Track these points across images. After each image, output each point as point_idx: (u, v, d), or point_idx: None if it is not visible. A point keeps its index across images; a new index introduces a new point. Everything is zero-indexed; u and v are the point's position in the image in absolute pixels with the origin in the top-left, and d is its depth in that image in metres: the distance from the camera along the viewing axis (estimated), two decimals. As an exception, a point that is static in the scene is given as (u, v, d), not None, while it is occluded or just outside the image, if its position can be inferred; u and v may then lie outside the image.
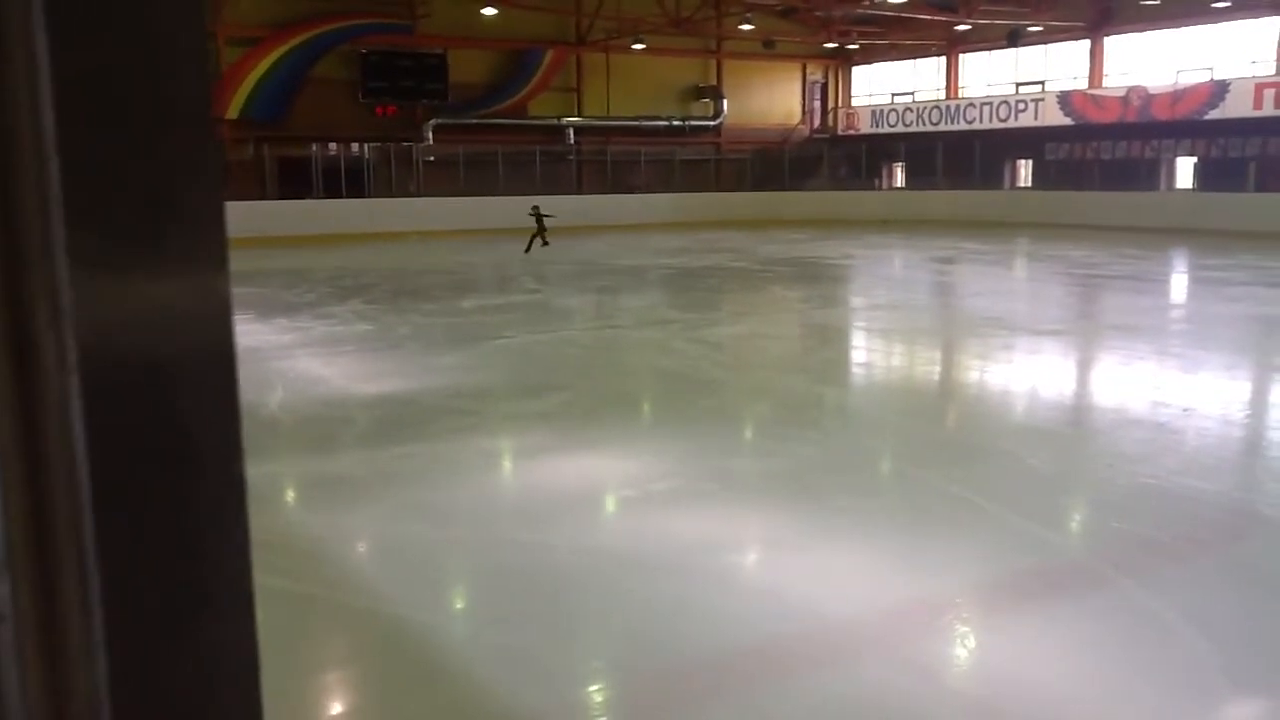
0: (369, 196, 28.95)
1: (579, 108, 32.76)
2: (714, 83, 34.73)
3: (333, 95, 28.84)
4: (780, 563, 5.02)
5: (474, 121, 30.68)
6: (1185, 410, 7.91)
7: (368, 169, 29.38)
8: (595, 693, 3.88)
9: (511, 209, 29.16)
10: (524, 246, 21.82)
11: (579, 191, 31.73)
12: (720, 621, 4.26)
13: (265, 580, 4.75)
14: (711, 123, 34.63)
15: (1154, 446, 7.00)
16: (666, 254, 22.51)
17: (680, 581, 4.68)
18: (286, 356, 10.48)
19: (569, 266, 19.89)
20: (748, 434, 7.83)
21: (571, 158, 32.52)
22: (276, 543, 5.22)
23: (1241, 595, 4.54)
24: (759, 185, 34.10)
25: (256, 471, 6.46)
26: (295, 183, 28.11)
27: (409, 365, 10.11)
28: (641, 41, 31.30)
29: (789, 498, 5.92)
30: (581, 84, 32.78)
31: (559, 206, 30.03)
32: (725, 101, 34.54)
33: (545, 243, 21.96)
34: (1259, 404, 8.63)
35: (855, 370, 10.76)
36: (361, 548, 5.33)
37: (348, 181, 28.80)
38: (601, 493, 6.14)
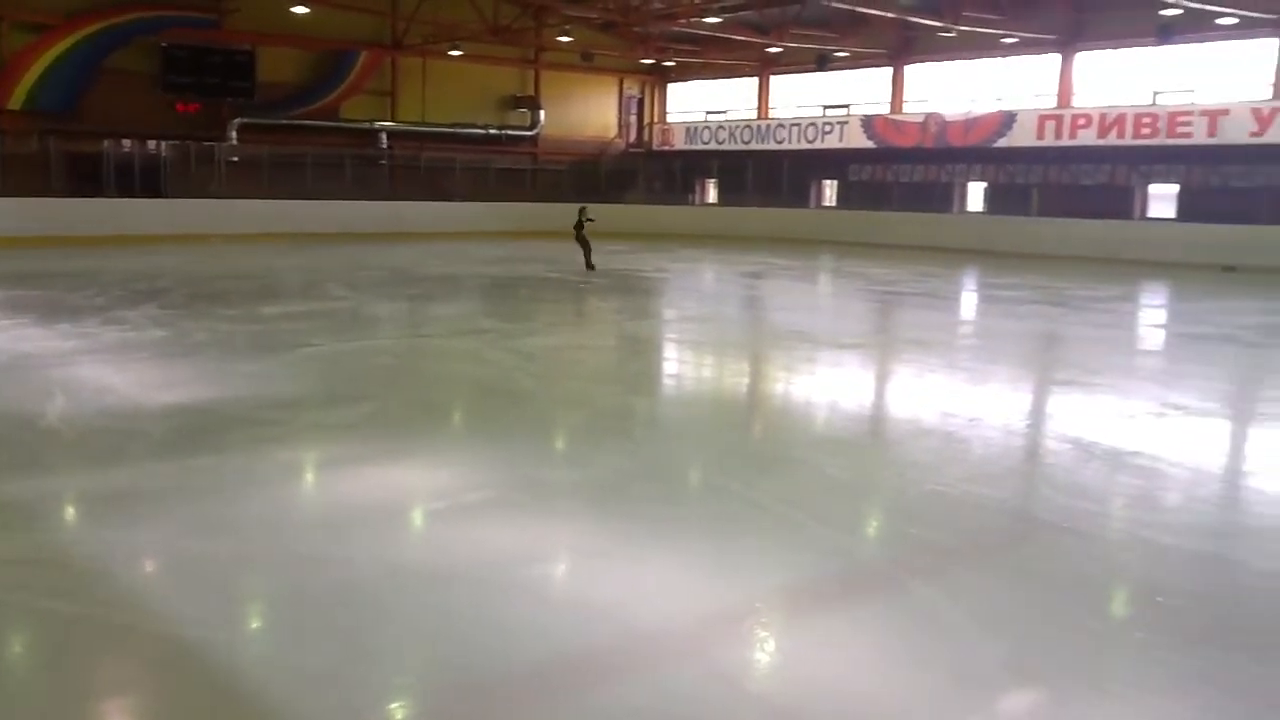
0: (167, 196, 27.52)
1: (393, 112, 32.11)
2: (531, 93, 34.69)
3: (130, 89, 27.30)
4: (591, 573, 5.03)
5: (282, 122, 29.63)
6: (972, 421, 8.35)
7: (165, 167, 27.93)
8: (397, 709, 3.78)
9: (319, 214, 28.38)
10: (584, 261, 20.08)
11: (392, 198, 31.08)
12: (529, 634, 4.22)
13: (38, 602, 4.44)
14: (528, 133, 34.56)
15: (943, 456, 7.36)
16: (481, 263, 22.33)
17: (489, 594, 4.62)
18: (69, 364, 9.84)
19: (380, 273, 19.45)
20: (560, 444, 7.82)
21: (384, 162, 31.84)
22: (53, 561, 4.88)
23: (1022, 595, 4.82)
24: (576, 197, 34.16)
25: (32, 486, 6.05)
26: (86, 179, 26.46)
27: (206, 373, 9.64)
28: (459, 48, 30.97)
29: (600, 508, 5.94)
30: (396, 88, 32.16)
31: (370, 214, 29.47)
32: (543, 112, 34.54)
33: (589, 264, 20.00)
34: (1039, 415, 9.21)
35: (667, 381, 10.92)
36: (149, 565, 5.04)
37: (143, 180, 27.30)
38: (409, 505, 6.01)
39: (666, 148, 35.98)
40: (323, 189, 29.36)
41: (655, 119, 37.55)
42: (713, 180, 36.00)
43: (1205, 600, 4.85)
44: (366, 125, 31.40)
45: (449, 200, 31.37)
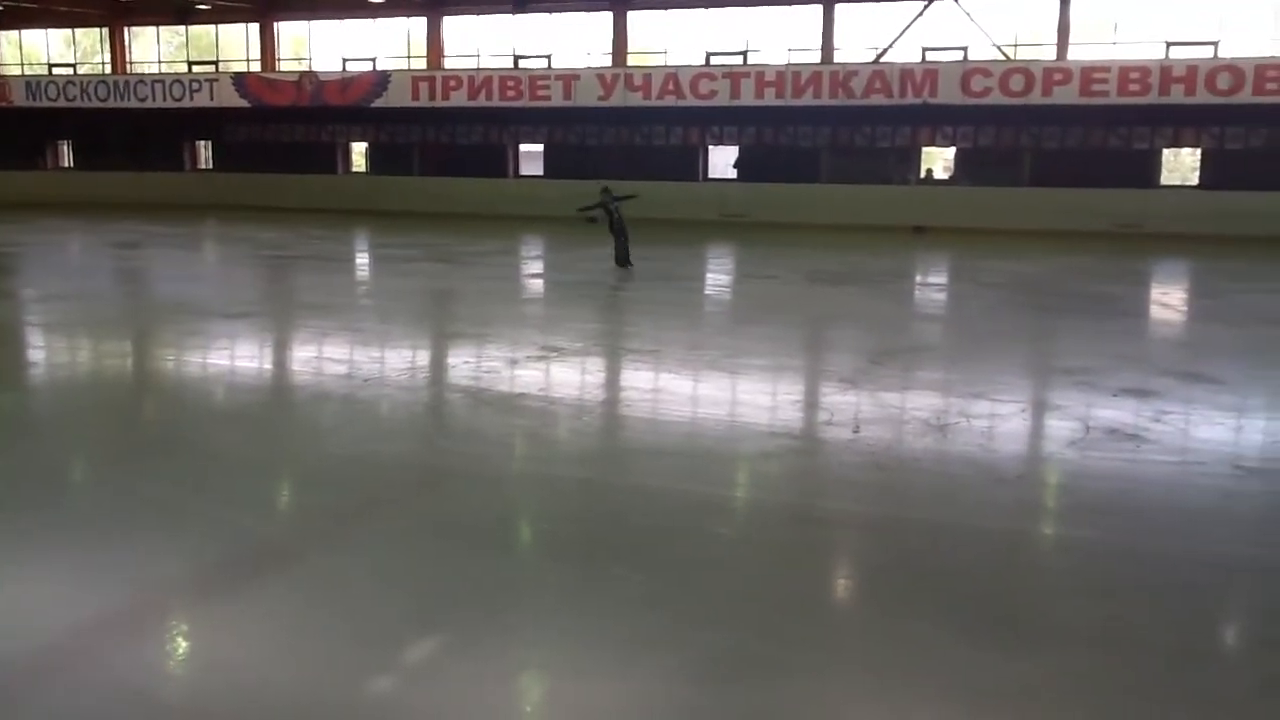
0: None
1: None
2: None
3: None
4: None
5: None
6: (368, 380, 8.41)
7: None
8: None
9: None
10: (614, 256, 15.42)
11: None
12: None
13: None
14: None
15: (342, 418, 7.33)
16: None
17: None
18: None
19: None
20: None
21: None
22: None
23: (421, 546, 4.94)
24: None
25: None
26: None
27: None
28: None
29: (-55, 527, 5.07)
30: None
31: None
32: None
33: (626, 260, 15.24)
34: (434, 369, 9.51)
35: (30, 371, 9.62)
36: None
37: None
38: None
39: (3, 105, 31.40)
40: None
41: (-15, 72, 32.69)
42: (67, 142, 32.21)
43: (588, 522, 5.34)
44: None
45: None
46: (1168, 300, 15.15)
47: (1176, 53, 22.21)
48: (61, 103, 30.37)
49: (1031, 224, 21.89)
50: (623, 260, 15.43)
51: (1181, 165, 25.25)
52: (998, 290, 14.45)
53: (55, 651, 3.83)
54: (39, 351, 10.55)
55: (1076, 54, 23.30)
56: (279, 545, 5.00)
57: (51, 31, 32.73)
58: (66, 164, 32.63)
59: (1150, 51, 22.48)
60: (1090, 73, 21.87)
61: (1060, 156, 23.20)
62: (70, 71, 32.00)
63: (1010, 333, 11.28)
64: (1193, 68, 21.32)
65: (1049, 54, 23.38)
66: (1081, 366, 8.88)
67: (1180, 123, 22.36)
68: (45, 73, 32.08)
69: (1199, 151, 23.18)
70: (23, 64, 33.22)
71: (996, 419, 7.26)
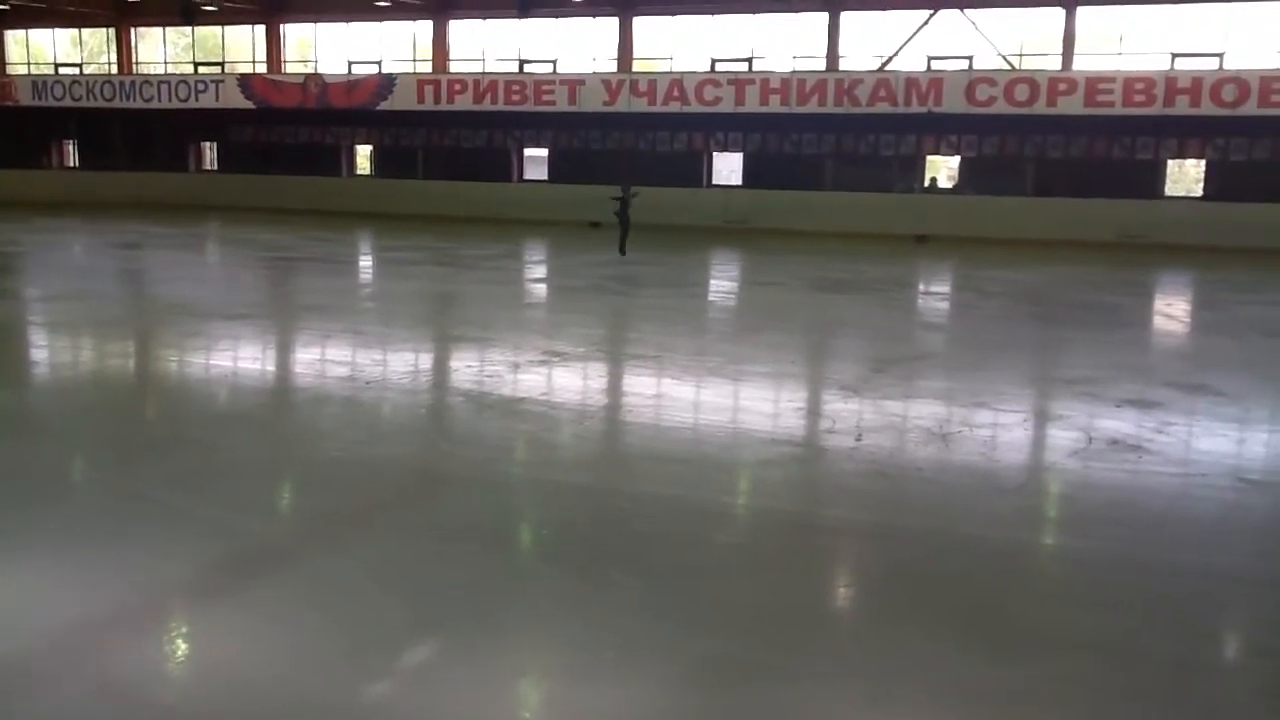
0: None
1: None
2: None
3: None
4: (-66, 604, 4.27)
5: None
6: (370, 383, 8.40)
7: None
8: None
9: None
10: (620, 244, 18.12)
11: None
12: None
13: None
14: None
15: (344, 421, 7.32)
16: None
17: None
18: None
19: None
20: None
21: None
22: None
23: (422, 550, 4.92)
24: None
25: None
26: None
27: None
28: None
29: (-56, 526, 5.06)
30: None
31: None
32: None
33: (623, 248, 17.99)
34: (436, 372, 9.51)
35: (34, 370, 9.62)
36: None
37: None
38: None
39: (10, 104, 31.43)
40: None
41: (-7, 70, 32.74)
42: (72, 141, 32.23)
43: (588, 527, 5.32)
44: None
45: None
46: (1171, 311, 15.12)
47: (1182, 64, 22.24)
48: (67, 102, 30.41)
49: (1035, 234, 21.87)
50: (623, 249, 18.00)
51: (1185, 176, 25.21)
52: (1001, 300, 14.44)
53: (52, 651, 3.81)
54: (41, 351, 10.56)
55: (1081, 64, 23.30)
56: (279, 547, 4.99)
57: (58, 31, 32.78)
58: (72, 164, 32.65)
59: (1155, 63, 22.53)
60: (1095, 83, 21.88)
61: (1064, 166, 23.18)
62: (76, 71, 32.03)
63: (1013, 342, 11.26)
64: (1198, 79, 21.33)
65: (1054, 64, 23.38)
66: (1084, 377, 8.86)
67: (1185, 134, 22.34)
68: (51, 72, 32.13)
69: (1203, 163, 23.16)
70: (29, 63, 33.27)
71: (999, 428, 7.25)
